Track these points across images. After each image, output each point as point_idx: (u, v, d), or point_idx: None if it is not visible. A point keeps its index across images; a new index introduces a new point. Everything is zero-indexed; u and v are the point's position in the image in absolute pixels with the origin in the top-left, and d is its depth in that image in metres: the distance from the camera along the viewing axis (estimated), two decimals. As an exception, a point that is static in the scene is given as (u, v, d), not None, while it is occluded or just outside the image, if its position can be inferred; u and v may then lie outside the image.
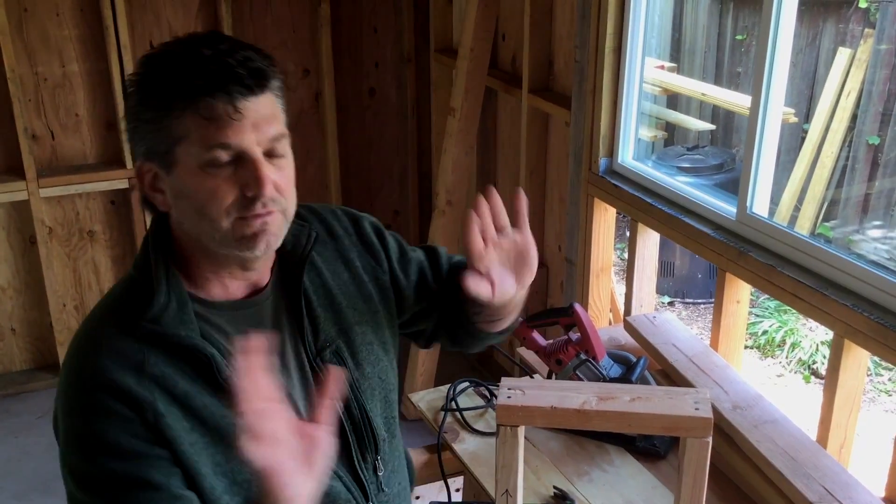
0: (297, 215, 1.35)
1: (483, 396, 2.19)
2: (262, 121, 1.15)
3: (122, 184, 3.63)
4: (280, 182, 1.19)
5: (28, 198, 3.48)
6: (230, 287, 1.28)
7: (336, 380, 1.07)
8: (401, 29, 4.05)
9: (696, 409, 1.29)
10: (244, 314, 1.29)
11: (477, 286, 1.24)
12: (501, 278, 1.29)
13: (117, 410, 1.15)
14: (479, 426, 2.09)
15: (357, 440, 1.38)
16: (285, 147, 1.21)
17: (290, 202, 1.23)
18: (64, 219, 3.68)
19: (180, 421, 1.19)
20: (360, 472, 1.38)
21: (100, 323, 1.23)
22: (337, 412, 1.32)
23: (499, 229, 1.30)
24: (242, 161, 1.15)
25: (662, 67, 4.87)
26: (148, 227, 1.29)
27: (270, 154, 1.18)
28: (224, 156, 1.14)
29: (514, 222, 1.31)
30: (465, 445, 2.03)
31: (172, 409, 1.18)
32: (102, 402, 1.15)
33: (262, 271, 1.30)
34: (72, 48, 3.49)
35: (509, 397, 1.34)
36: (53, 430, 1.25)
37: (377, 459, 1.41)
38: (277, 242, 1.23)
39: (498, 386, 1.40)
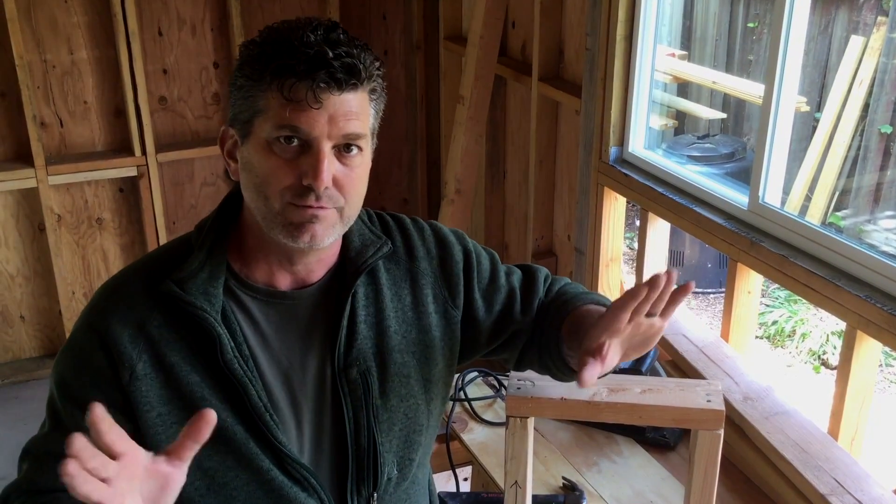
0: (382, 225, 1.34)
1: (492, 386, 2.19)
2: (341, 116, 1.13)
3: (131, 171, 3.62)
4: (343, 180, 1.16)
5: (37, 185, 3.48)
6: (276, 276, 1.25)
7: (205, 423, 0.98)
8: (410, 16, 4.03)
9: (708, 401, 1.28)
10: (279, 305, 1.25)
11: (591, 375, 1.12)
12: (614, 353, 1.16)
13: (96, 358, 1.19)
14: (487, 416, 2.08)
15: (357, 469, 1.29)
16: (362, 147, 1.18)
17: (350, 202, 1.18)
18: (73, 206, 3.68)
19: (156, 389, 1.19)
20: (349, 500, 1.30)
21: (133, 270, 1.26)
22: (347, 431, 1.28)
23: (649, 313, 1.15)
24: (308, 149, 1.13)
25: (673, 55, 4.83)
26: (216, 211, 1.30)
27: (342, 150, 1.16)
28: (291, 138, 1.13)
29: (664, 310, 1.16)
30: (474, 435, 2.02)
31: (152, 375, 1.19)
32: (88, 343, 1.20)
33: (310, 268, 1.26)
34: (80, 35, 3.48)
35: (519, 388, 1.32)
36: None
37: (373, 496, 1.31)
38: (326, 241, 1.19)
39: (507, 376, 1.38)
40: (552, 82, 2.99)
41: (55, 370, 1.23)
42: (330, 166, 1.13)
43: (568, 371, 1.33)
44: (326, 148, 1.13)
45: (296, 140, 1.13)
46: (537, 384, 1.35)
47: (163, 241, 3.74)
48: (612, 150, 2.65)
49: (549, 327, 1.34)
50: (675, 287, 1.14)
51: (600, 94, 2.63)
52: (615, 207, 2.74)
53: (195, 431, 0.98)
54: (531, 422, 1.33)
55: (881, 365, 4.07)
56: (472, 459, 2.02)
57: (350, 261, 1.28)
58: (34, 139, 3.42)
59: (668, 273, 1.12)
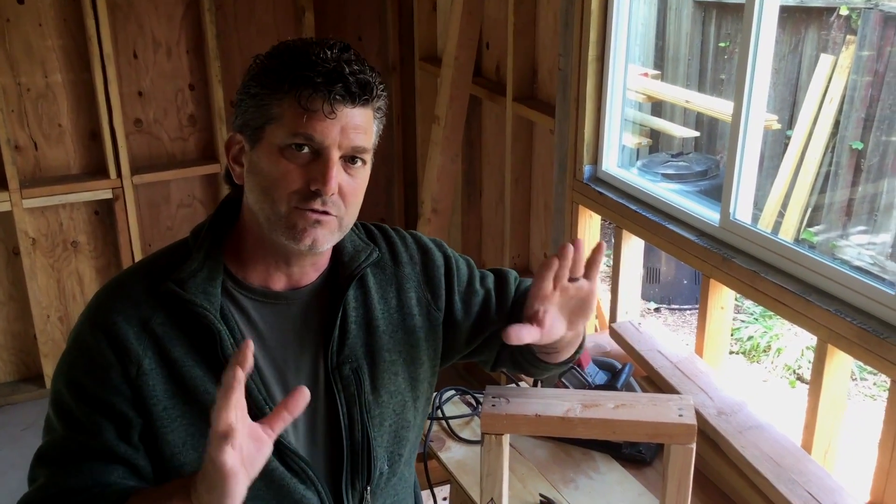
0: (367, 233, 1.40)
1: (469, 405, 2.19)
2: (352, 129, 1.20)
3: (107, 194, 3.61)
4: (346, 189, 1.23)
5: (11, 209, 3.46)
6: (272, 277, 1.30)
7: (301, 398, 1.08)
8: (385, 37, 4.06)
9: (680, 415, 1.29)
10: (274, 306, 1.31)
11: (518, 332, 1.22)
12: (553, 321, 1.26)
13: (105, 354, 1.20)
14: (465, 434, 2.09)
15: (351, 463, 1.34)
16: (365, 161, 1.25)
17: (349, 212, 1.25)
18: (48, 230, 3.66)
19: (161, 384, 1.22)
20: (343, 494, 1.34)
21: (133, 271, 1.29)
22: (342, 426, 1.33)
23: (571, 278, 1.26)
24: (318, 157, 1.20)
25: (646, 75, 4.89)
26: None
27: (348, 161, 1.23)
28: (302, 146, 1.19)
29: (587, 272, 1.27)
30: (452, 454, 2.03)
31: (157, 371, 1.22)
32: (95, 341, 1.21)
33: (304, 271, 1.32)
34: (55, 58, 3.48)
35: (494, 405, 1.34)
36: None
37: (366, 490, 1.36)
38: (325, 245, 1.25)
39: (483, 394, 1.39)
40: (526, 102, 3.02)
41: (62, 374, 1.24)
42: (337, 174, 1.20)
43: (537, 362, 1.41)
44: (335, 157, 1.20)
45: (307, 148, 1.19)
46: (512, 401, 1.36)
47: (139, 263, 3.72)
48: (586, 169, 2.67)
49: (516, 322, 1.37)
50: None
51: (574, 113, 2.66)
52: (590, 225, 2.76)
53: (291, 405, 1.08)
54: (506, 439, 1.34)
55: (855, 379, 4.11)
56: (450, 478, 2.02)
57: (343, 265, 1.35)
58: (8, 162, 3.41)
59: (576, 241, 1.26)
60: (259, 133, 1.22)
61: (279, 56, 1.22)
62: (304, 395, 1.08)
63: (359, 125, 1.21)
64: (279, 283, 1.30)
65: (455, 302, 1.44)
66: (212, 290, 1.24)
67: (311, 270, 1.32)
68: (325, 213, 1.21)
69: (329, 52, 1.19)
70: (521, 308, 1.31)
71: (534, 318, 1.24)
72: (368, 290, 1.37)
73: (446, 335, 1.44)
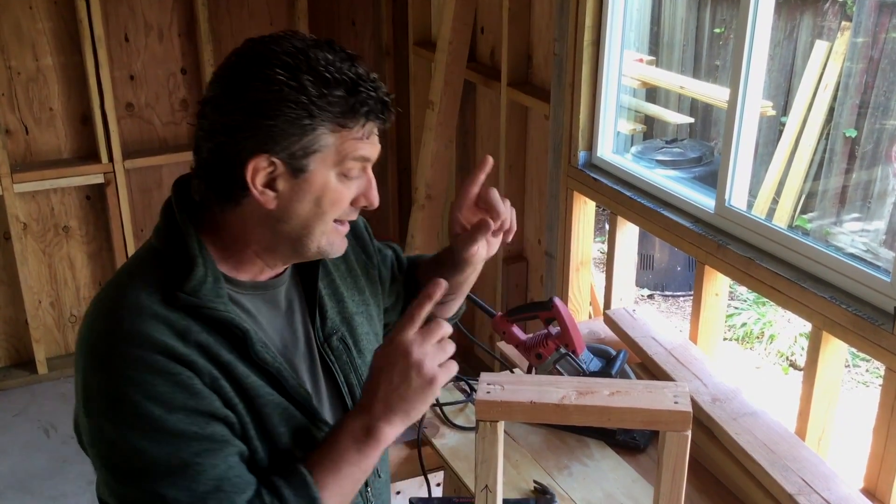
0: None
1: (463, 391, 2.18)
2: (377, 140, 1.26)
3: (98, 178, 3.59)
4: None
5: (2, 193, 3.44)
6: (262, 272, 1.31)
7: (439, 287, 1.22)
8: (379, 22, 4.03)
9: (676, 402, 1.29)
10: (263, 295, 1.32)
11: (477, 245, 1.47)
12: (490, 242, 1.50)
13: (174, 370, 1.14)
14: (459, 421, 2.08)
15: None
16: None
17: None
18: (39, 214, 3.64)
19: (228, 387, 1.20)
20: None
21: (135, 290, 1.19)
22: (343, 392, 1.38)
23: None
24: (363, 174, 1.25)
25: (641, 61, 4.87)
26: (170, 203, 1.27)
27: None
28: (360, 168, 1.24)
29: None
30: (445, 440, 2.02)
31: (218, 376, 1.19)
32: (156, 363, 1.13)
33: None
34: (45, 41, 3.45)
35: (488, 392, 1.33)
36: (78, 420, 1.22)
37: None
38: None
39: (477, 381, 1.39)
40: (521, 87, 3.00)
41: (137, 423, 1.13)
42: None
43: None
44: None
45: (360, 169, 1.24)
46: (506, 388, 1.35)
47: (131, 248, 3.70)
48: (581, 155, 2.66)
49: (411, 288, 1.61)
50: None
51: (568, 99, 2.65)
52: (584, 211, 2.75)
53: (431, 289, 1.23)
54: (501, 425, 1.33)
55: (849, 366, 4.12)
56: (443, 465, 2.02)
57: None
58: (-1, 146, 3.38)
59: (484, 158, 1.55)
60: (304, 161, 1.18)
61: (321, 82, 1.17)
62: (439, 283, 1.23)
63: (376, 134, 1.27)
64: (265, 275, 1.31)
65: (377, 262, 1.55)
66: (221, 291, 1.22)
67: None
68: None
69: (364, 72, 1.21)
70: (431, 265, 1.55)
71: (485, 228, 1.47)
72: (326, 262, 1.41)
73: (380, 287, 1.54)
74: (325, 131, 1.18)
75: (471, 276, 1.55)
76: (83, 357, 1.18)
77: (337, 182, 1.21)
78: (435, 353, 1.22)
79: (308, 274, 1.37)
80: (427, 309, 1.24)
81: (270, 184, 1.20)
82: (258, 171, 1.18)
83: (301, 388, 1.29)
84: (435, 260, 1.60)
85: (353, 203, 1.25)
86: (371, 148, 1.23)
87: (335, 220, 1.25)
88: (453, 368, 1.25)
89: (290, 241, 1.24)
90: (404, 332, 1.21)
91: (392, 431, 1.23)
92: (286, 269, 1.34)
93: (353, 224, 1.43)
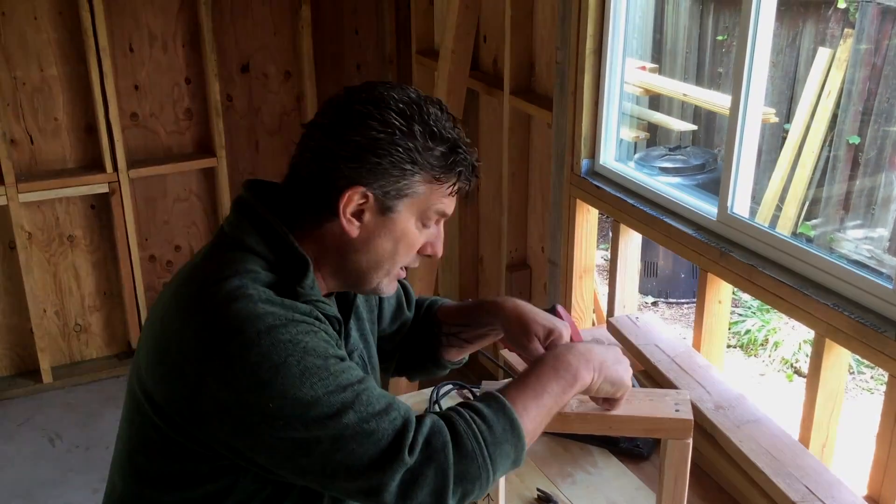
0: None
1: (466, 399, 2.18)
2: None
3: (103, 188, 3.60)
4: None
5: (7, 203, 3.45)
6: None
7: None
8: (382, 31, 4.05)
9: (677, 410, 1.29)
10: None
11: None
12: None
13: (315, 327, 1.21)
14: (462, 429, 2.08)
15: None
16: None
17: None
18: (44, 224, 3.65)
19: None
20: None
21: (255, 289, 1.21)
22: None
23: None
24: (435, 227, 1.35)
25: (644, 68, 4.88)
26: (248, 207, 1.31)
27: None
28: (436, 221, 1.34)
29: None
30: (449, 448, 2.02)
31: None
32: (296, 323, 1.19)
33: None
34: (50, 52, 3.47)
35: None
36: (191, 401, 1.20)
37: None
38: None
39: (480, 389, 1.40)
40: (524, 96, 3.01)
41: (304, 381, 1.16)
42: None
43: (440, 360, 1.63)
44: None
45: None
46: (509, 396, 1.35)
47: (135, 257, 3.72)
48: (584, 163, 2.67)
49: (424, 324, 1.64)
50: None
51: (571, 107, 2.65)
52: (588, 219, 2.75)
53: None
54: (503, 434, 1.33)
55: (853, 372, 4.11)
56: (447, 473, 2.02)
57: None
58: (4, 157, 3.40)
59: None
60: (395, 202, 1.27)
61: (436, 136, 1.27)
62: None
63: None
64: (323, 290, 1.37)
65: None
66: (323, 297, 1.31)
67: None
68: None
69: (460, 133, 1.30)
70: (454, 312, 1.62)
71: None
72: None
73: (378, 314, 1.59)
74: (421, 180, 1.27)
75: (491, 340, 1.61)
76: (217, 343, 1.17)
77: (415, 228, 1.30)
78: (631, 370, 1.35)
79: (340, 295, 1.42)
80: None
81: (358, 214, 1.28)
82: (351, 201, 1.26)
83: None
84: (463, 309, 1.64)
85: (419, 251, 1.33)
86: (452, 204, 1.32)
87: (400, 265, 1.32)
88: (629, 385, 1.34)
89: (357, 272, 1.32)
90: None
91: (586, 375, 1.28)
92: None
93: None
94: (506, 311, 1.50)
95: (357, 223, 1.28)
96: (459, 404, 1.25)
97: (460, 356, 1.66)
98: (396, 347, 1.65)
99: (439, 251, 1.35)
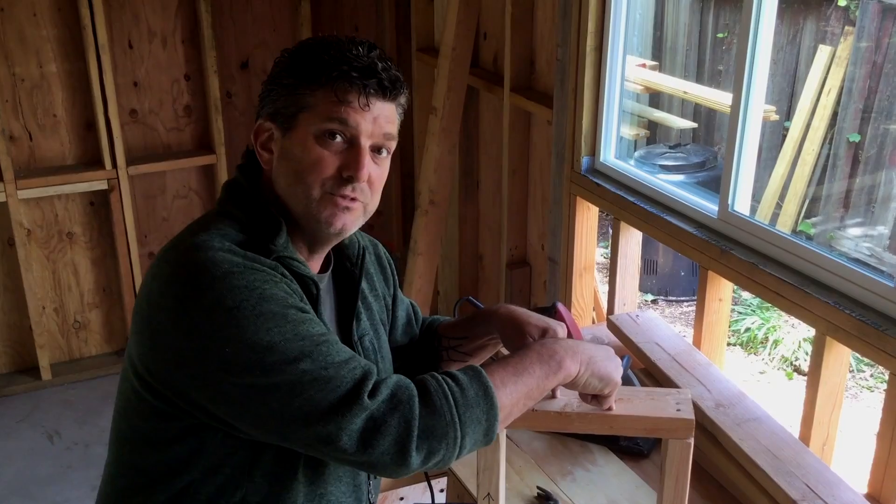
0: None
1: None
2: (383, 119, 1.29)
3: (102, 184, 3.60)
4: (373, 177, 1.30)
5: (6, 199, 3.45)
6: (309, 261, 1.36)
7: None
8: (382, 28, 4.04)
9: (678, 410, 1.29)
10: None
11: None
12: None
13: (275, 278, 1.21)
14: (462, 427, 2.08)
15: None
16: (390, 150, 1.33)
17: (374, 199, 1.33)
18: (43, 220, 3.65)
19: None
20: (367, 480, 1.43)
21: (214, 237, 1.23)
22: None
23: None
24: (351, 145, 1.27)
25: (644, 66, 4.87)
26: (232, 182, 1.36)
27: (376, 150, 1.30)
28: (338, 132, 1.26)
29: None
30: (449, 446, 2.02)
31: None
32: (257, 271, 1.19)
33: (320, 257, 1.39)
34: (49, 48, 3.46)
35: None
36: (152, 354, 1.22)
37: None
38: (352, 230, 1.33)
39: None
40: (524, 93, 3.00)
41: (260, 322, 1.16)
42: (368, 163, 1.28)
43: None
44: (367, 146, 1.28)
45: (339, 137, 1.26)
46: (509, 394, 1.35)
47: (135, 254, 3.71)
48: (584, 160, 2.66)
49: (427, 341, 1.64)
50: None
51: (571, 104, 2.65)
52: (588, 217, 2.75)
53: None
54: (503, 434, 1.34)
55: (853, 371, 4.11)
56: (447, 471, 2.02)
57: (344, 250, 1.43)
58: (3, 153, 3.39)
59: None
60: (292, 121, 1.27)
61: (313, 50, 1.29)
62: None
63: (388, 116, 1.30)
64: (310, 265, 1.36)
65: (397, 296, 1.60)
66: (299, 256, 1.31)
67: (320, 259, 1.39)
68: (354, 199, 1.28)
69: (360, 49, 1.27)
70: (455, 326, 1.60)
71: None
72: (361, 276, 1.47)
73: (390, 319, 1.59)
74: (308, 91, 1.26)
75: (491, 351, 1.61)
76: (179, 285, 1.19)
77: (315, 143, 1.26)
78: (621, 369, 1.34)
79: (345, 282, 1.43)
80: None
81: (266, 145, 1.31)
82: (259, 134, 1.32)
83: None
84: (460, 323, 1.62)
85: (340, 170, 1.26)
86: (359, 118, 1.26)
87: (328, 192, 1.27)
88: (618, 383, 1.33)
89: (289, 204, 1.29)
90: None
91: (571, 366, 1.27)
92: (325, 273, 1.39)
93: (376, 250, 1.56)
94: (499, 316, 1.50)
95: (267, 154, 1.31)
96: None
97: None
98: (401, 365, 1.63)
99: (357, 173, 1.26)
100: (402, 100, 1.34)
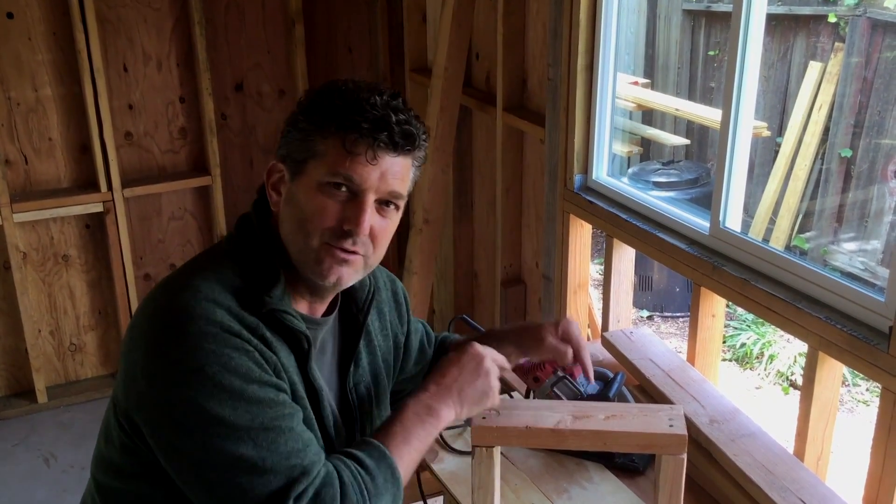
0: None
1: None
2: (391, 175, 1.26)
3: (97, 207, 3.60)
4: (377, 231, 1.28)
5: (1, 223, 3.45)
6: (311, 308, 1.36)
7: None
8: (375, 49, 4.06)
9: (671, 426, 1.29)
10: (314, 331, 1.35)
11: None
12: None
13: (247, 348, 1.19)
14: (457, 445, 2.08)
15: None
16: (399, 206, 1.31)
17: (376, 253, 1.31)
18: (38, 243, 3.65)
19: (285, 381, 1.25)
20: None
21: (208, 283, 1.23)
22: (356, 436, 1.43)
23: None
24: (355, 199, 1.25)
25: (636, 83, 4.91)
26: (245, 217, 1.36)
27: (383, 204, 1.28)
28: (341, 185, 1.24)
29: None
30: (444, 465, 2.02)
31: (281, 370, 1.25)
32: (230, 340, 1.18)
33: (324, 301, 1.37)
34: (45, 72, 3.48)
35: (484, 417, 1.34)
36: (127, 393, 1.23)
37: None
38: (348, 283, 1.32)
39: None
40: (516, 112, 3.02)
41: (216, 392, 1.15)
42: (371, 217, 1.26)
43: None
44: (371, 200, 1.26)
45: (345, 188, 1.24)
46: (503, 413, 1.36)
47: (130, 276, 3.71)
48: (577, 178, 2.68)
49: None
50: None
51: (563, 123, 2.66)
52: (581, 234, 2.76)
53: None
54: (497, 451, 1.34)
55: (848, 384, 4.12)
56: (442, 489, 2.01)
57: (353, 291, 1.42)
58: (-2, 177, 3.40)
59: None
60: (301, 166, 1.26)
61: (330, 95, 1.27)
62: None
63: (397, 172, 1.27)
64: (303, 309, 1.35)
65: (410, 329, 1.60)
66: (290, 306, 1.29)
67: (326, 302, 1.38)
68: (354, 252, 1.26)
69: (378, 99, 1.24)
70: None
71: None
72: (368, 317, 1.47)
73: (403, 355, 1.59)
74: (321, 138, 1.25)
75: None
76: (155, 330, 1.20)
77: (318, 191, 1.25)
78: (496, 374, 1.36)
79: (350, 325, 1.43)
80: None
81: (276, 186, 1.30)
82: (272, 174, 1.31)
83: (332, 410, 1.36)
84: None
85: (341, 223, 1.25)
86: (365, 171, 1.23)
87: (326, 243, 1.25)
88: (497, 397, 1.36)
89: (293, 254, 1.28)
90: (483, 347, 1.37)
91: (448, 414, 1.31)
92: (330, 314, 1.38)
93: (393, 286, 1.56)
94: (512, 332, 1.56)
95: (276, 196, 1.30)
96: (341, 452, 1.26)
97: None
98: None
99: (357, 227, 1.24)
100: (420, 154, 1.31)
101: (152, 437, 1.20)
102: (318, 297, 1.35)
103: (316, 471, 1.19)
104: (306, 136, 1.26)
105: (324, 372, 1.38)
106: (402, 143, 1.25)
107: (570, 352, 1.53)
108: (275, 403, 1.19)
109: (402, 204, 1.31)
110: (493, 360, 1.37)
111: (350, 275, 1.29)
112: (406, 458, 1.27)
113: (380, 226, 1.28)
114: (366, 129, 1.22)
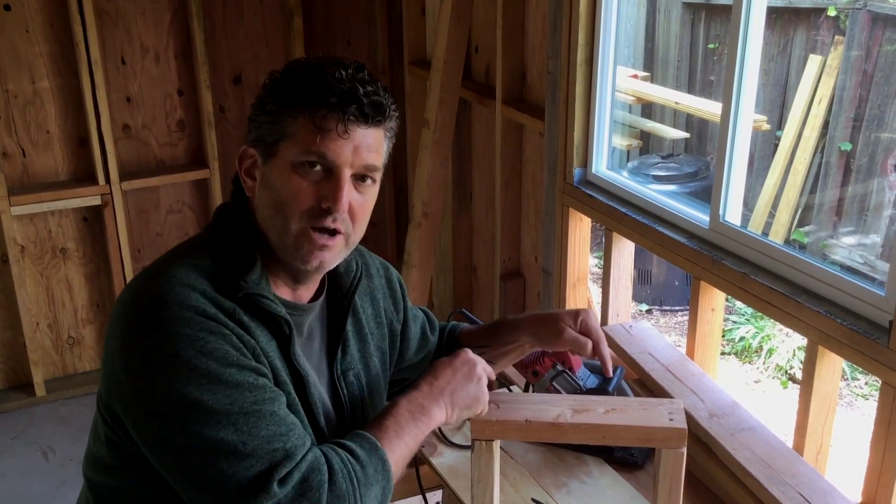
0: None
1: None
2: (364, 148, 1.24)
3: (95, 200, 3.60)
4: (356, 207, 1.26)
5: (-1, 216, 3.45)
6: (294, 293, 1.35)
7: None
8: (374, 42, 4.05)
9: (671, 419, 1.29)
10: (298, 317, 1.33)
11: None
12: None
13: (224, 332, 1.18)
14: (456, 439, 2.08)
15: None
16: (375, 179, 1.29)
17: (357, 230, 1.29)
18: (36, 237, 3.64)
19: (266, 366, 1.24)
20: None
21: (183, 269, 1.22)
22: (348, 428, 1.39)
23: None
24: (330, 175, 1.23)
25: (636, 76, 4.90)
26: (223, 206, 1.34)
27: (359, 179, 1.26)
28: (315, 164, 1.22)
29: None
30: (443, 459, 2.02)
31: (261, 354, 1.23)
32: (206, 323, 1.17)
33: (308, 287, 1.36)
34: (42, 64, 3.46)
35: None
36: (109, 385, 1.23)
37: None
38: (330, 266, 1.30)
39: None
40: (516, 105, 3.02)
41: (193, 377, 1.14)
42: (348, 193, 1.23)
43: None
44: (347, 175, 1.23)
45: (319, 166, 1.22)
46: (502, 407, 1.36)
47: (128, 269, 3.71)
48: (576, 172, 2.67)
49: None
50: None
51: (563, 116, 2.66)
52: (580, 228, 2.76)
53: None
54: (496, 445, 1.34)
55: (847, 378, 4.12)
56: (441, 483, 2.01)
57: (339, 279, 1.41)
58: (-4, 170, 3.39)
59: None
60: (273, 148, 1.24)
61: (295, 74, 1.25)
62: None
63: (371, 145, 1.24)
64: (286, 295, 1.33)
65: (409, 317, 1.58)
66: (269, 291, 1.27)
67: (311, 287, 1.37)
68: (335, 231, 1.24)
69: (344, 73, 1.22)
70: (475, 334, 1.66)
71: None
72: (356, 303, 1.45)
73: (401, 343, 1.57)
74: (290, 118, 1.22)
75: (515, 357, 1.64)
76: (129, 317, 1.19)
77: (293, 172, 1.22)
78: (486, 381, 1.36)
79: (337, 311, 1.41)
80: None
81: (250, 171, 1.28)
82: (244, 160, 1.29)
83: (320, 398, 1.33)
84: (483, 330, 1.67)
85: (319, 202, 1.23)
86: (338, 146, 1.21)
87: (307, 226, 1.23)
88: (486, 405, 1.36)
89: (272, 238, 1.27)
90: (474, 355, 1.38)
91: (439, 414, 1.31)
92: (316, 301, 1.37)
93: (387, 273, 1.55)
94: (527, 321, 1.55)
95: (251, 181, 1.28)
96: (332, 442, 1.24)
97: None
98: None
99: (335, 204, 1.22)
100: (391, 124, 1.29)
101: (133, 427, 1.19)
102: (300, 282, 1.33)
103: (300, 454, 1.18)
104: (275, 117, 1.23)
105: (312, 360, 1.37)
106: (372, 114, 1.23)
107: (589, 345, 1.51)
108: (254, 387, 1.17)
109: (378, 177, 1.29)
110: (484, 369, 1.37)
111: (332, 258, 1.28)
112: (397, 453, 1.27)
113: (358, 202, 1.26)
114: (334, 104, 1.20)
